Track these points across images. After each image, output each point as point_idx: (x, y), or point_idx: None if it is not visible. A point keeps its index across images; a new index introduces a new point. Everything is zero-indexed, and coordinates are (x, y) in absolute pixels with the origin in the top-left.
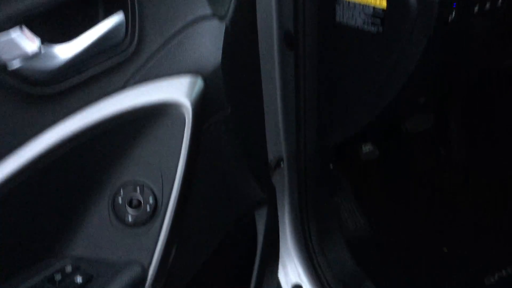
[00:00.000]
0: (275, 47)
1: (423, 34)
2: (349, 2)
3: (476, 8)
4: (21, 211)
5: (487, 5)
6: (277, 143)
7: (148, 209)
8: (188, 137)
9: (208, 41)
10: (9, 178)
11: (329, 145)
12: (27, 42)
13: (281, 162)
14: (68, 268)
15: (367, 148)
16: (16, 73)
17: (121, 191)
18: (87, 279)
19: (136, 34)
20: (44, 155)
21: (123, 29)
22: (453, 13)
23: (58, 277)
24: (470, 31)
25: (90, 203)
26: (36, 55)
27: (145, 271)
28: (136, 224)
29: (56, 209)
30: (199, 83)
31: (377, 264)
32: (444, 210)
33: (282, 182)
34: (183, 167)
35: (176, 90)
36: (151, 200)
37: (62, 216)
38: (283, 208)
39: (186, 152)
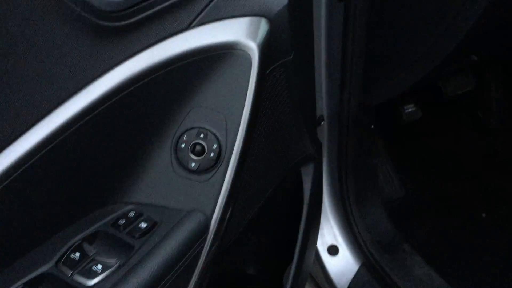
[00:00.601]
0: None
1: None
2: None
3: None
4: (86, 152)
5: None
6: (318, 100)
7: (212, 155)
8: (254, 82)
9: None
10: (79, 115)
11: (373, 104)
12: None
13: (322, 121)
14: (131, 214)
15: (409, 108)
16: (86, 1)
17: (184, 136)
18: (152, 225)
19: None
20: (110, 93)
21: None
22: None
23: (121, 222)
24: None
25: (153, 149)
26: None
27: (207, 219)
28: (199, 171)
29: (118, 153)
30: (265, 25)
31: (413, 228)
32: (483, 175)
33: (321, 140)
34: (249, 112)
35: (242, 32)
36: (215, 147)
37: (125, 160)
38: None
39: (251, 98)
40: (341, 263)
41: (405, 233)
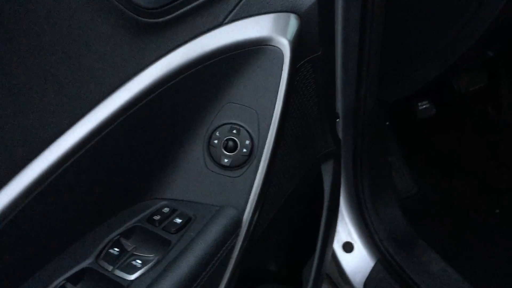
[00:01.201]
0: None
1: None
2: None
3: None
4: (123, 148)
5: None
6: None
7: (244, 151)
8: (286, 78)
9: None
10: (119, 111)
11: (389, 101)
12: None
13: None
14: (166, 210)
15: (424, 105)
16: (128, 0)
17: (217, 132)
18: (186, 221)
19: None
20: (148, 90)
21: None
22: None
23: (157, 217)
24: None
25: (186, 145)
26: None
27: (240, 214)
28: (232, 166)
29: (153, 150)
30: (295, 21)
31: (428, 224)
32: (495, 171)
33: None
34: (280, 108)
35: (274, 28)
36: (247, 143)
37: (159, 157)
38: None
39: (283, 93)
40: (357, 260)
41: (420, 229)
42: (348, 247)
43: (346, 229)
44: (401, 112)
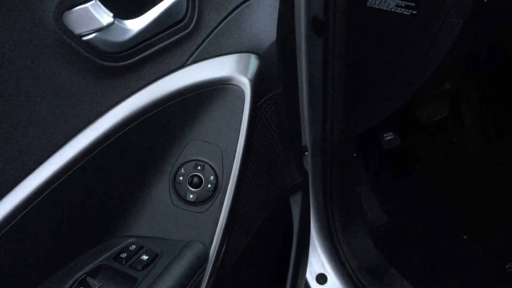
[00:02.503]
0: (303, 34)
1: (459, 16)
2: None
3: None
4: (89, 188)
5: None
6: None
7: (209, 187)
8: (247, 114)
9: (263, 19)
10: (83, 152)
11: (354, 133)
12: (102, 14)
13: (305, 151)
14: (133, 247)
15: (389, 136)
16: (90, 44)
17: (182, 169)
18: (153, 257)
19: (196, 12)
20: (112, 130)
21: (184, 6)
22: None
23: (123, 255)
24: (504, 13)
25: (152, 182)
26: (108, 28)
27: (206, 249)
28: (197, 202)
29: (119, 188)
30: (255, 61)
31: (398, 253)
32: (461, 199)
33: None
34: (243, 144)
35: (235, 68)
36: (212, 178)
37: (125, 195)
38: None
39: (245, 129)
40: None
41: (391, 258)
42: (321, 278)
43: (319, 261)
44: (367, 143)
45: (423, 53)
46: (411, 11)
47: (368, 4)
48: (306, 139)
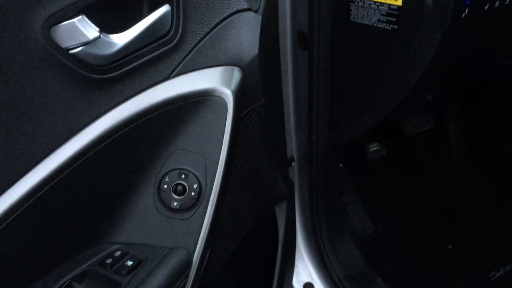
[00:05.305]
0: (289, 47)
1: (438, 31)
2: (364, 0)
3: (486, 6)
4: (75, 196)
5: (496, 4)
6: (288, 142)
7: (192, 194)
8: (230, 125)
9: (246, 33)
10: (69, 161)
11: (339, 144)
12: (89, 29)
13: (292, 162)
14: (118, 253)
15: (374, 147)
16: (77, 57)
17: (167, 178)
18: (137, 263)
19: (180, 26)
20: (98, 140)
21: (169, 21)
22: (466, 10)
23: (108, 261)
24: (481, 29)
25: (137, 190)
26: (95, 42)
27: (190, 255)
28: (181, 209)
29: (104, 196)
30: (238, 73)
31: (384, 262)
32: (446, 208)
33: (293, 180)
34: (226, 153)
35: (218, 80)
36: (195, 186)
37: (111, 203)
38: None
39: (228, 139)
40: None
41: (377, 267)
42: (309, 287)
43: (306, 270)
44: (353, 154)
45: (404, 66)
46: (392, 25)
47: (352, 19)
48: (293, 149)
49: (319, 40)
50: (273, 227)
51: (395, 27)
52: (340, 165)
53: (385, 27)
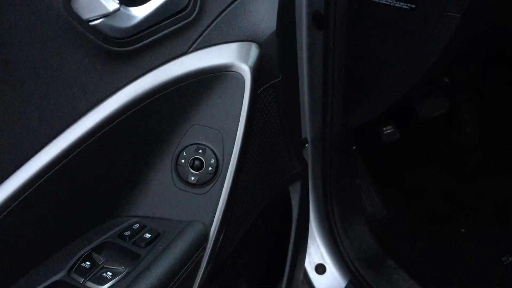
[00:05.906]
0: (304, 27)
1: (457, 10)
2: None
3: None
4: (94, 168)
5: None
6: (302, 123)
7: (210, 169)
8: (247, 101)
9: (263, 9)
10: (89, 133)
11: (354, 126)
12: (109, 1)
13: (306, 143)
14: (136, 226)
15: (388, 129)
16: (97, 29)
17: (184, 152)
18: (155, 235)
19: (199, 1)
20: (117, 113)
21: None
22: None
23: (127, 233)
24: (499, 9)
25: (155, 164)
26: (114, 14)
27: (207, 229)
28: (199, 184)
29: (123, 169)
30: (255, 49)
31: (396, 244)
32: (459, 192)
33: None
34: (243, 130)
35: (236, 55)
36: (212, 161)
37: (129, 176)
38: None
39: (245, 115)
40: (329, 281)
41: (389, 250)
42: (320, 269)
43: (318, 251)
44: (367, 136)
45: (421, 47)
46: (409, 5)
47: None
48: (307, 131)
49: (335, 20)
50: (287, 206)
51: (413, 6)
52: (354, 147)
53: (403, 6)
